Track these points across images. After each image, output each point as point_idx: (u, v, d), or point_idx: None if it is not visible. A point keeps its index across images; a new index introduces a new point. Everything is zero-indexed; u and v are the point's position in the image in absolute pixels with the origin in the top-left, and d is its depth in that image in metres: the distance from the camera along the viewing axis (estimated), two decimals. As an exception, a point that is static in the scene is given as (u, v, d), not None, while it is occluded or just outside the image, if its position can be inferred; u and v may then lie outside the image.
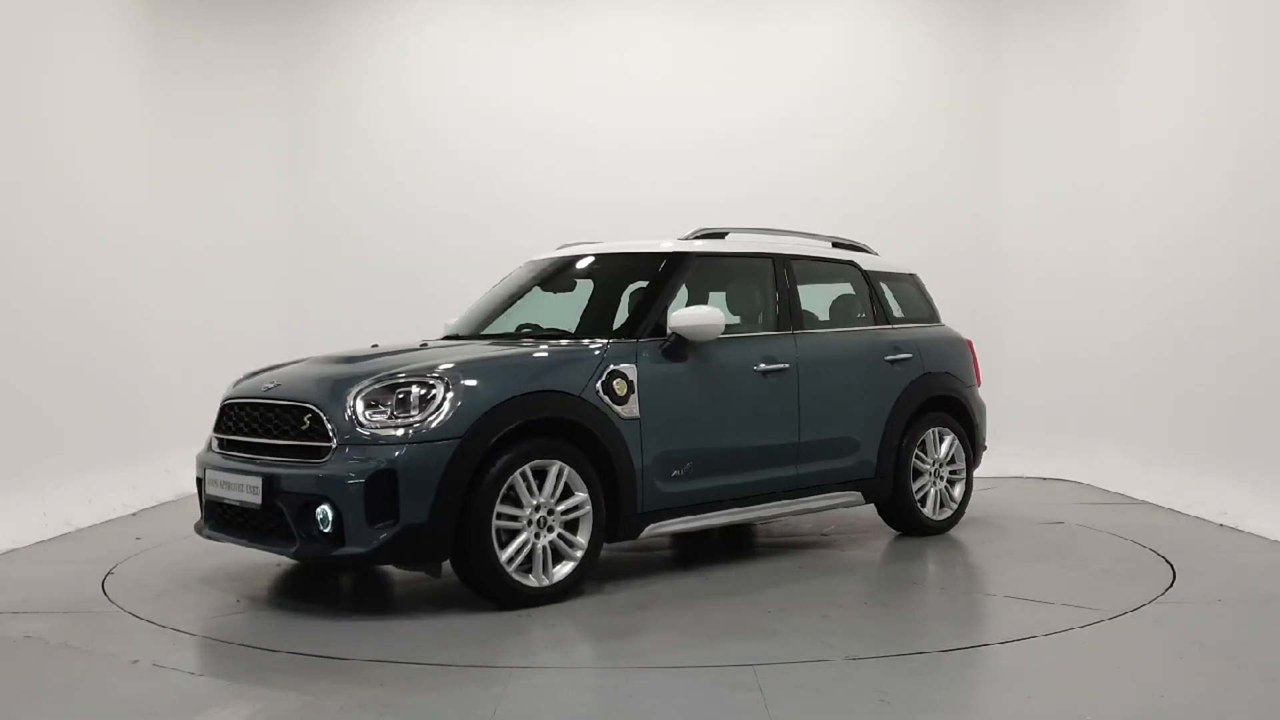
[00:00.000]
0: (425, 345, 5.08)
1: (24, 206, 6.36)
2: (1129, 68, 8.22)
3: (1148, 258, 7.82)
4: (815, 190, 8.70)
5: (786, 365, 5.29)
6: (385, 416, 4.20)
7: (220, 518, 4.67)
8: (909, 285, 6.37)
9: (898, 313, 6.16)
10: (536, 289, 5.66)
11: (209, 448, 4.88)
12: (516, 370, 4.52)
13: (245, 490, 4.40)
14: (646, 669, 3.60)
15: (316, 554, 4.19)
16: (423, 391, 4.25)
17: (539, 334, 5.24)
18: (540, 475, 4.40)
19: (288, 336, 8.21)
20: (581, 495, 4.50)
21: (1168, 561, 5.27)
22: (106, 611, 4.41)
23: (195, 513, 5.08)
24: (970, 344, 6.46)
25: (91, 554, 5.59)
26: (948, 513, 6.08)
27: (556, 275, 5.70)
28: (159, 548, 5.77)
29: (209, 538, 4.75)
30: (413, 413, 4.20)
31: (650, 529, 4.79)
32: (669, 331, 4.91)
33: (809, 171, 8.80)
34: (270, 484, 4.29)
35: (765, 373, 5.22)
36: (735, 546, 5.85)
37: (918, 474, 5.92)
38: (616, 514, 4.65)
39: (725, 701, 3.27)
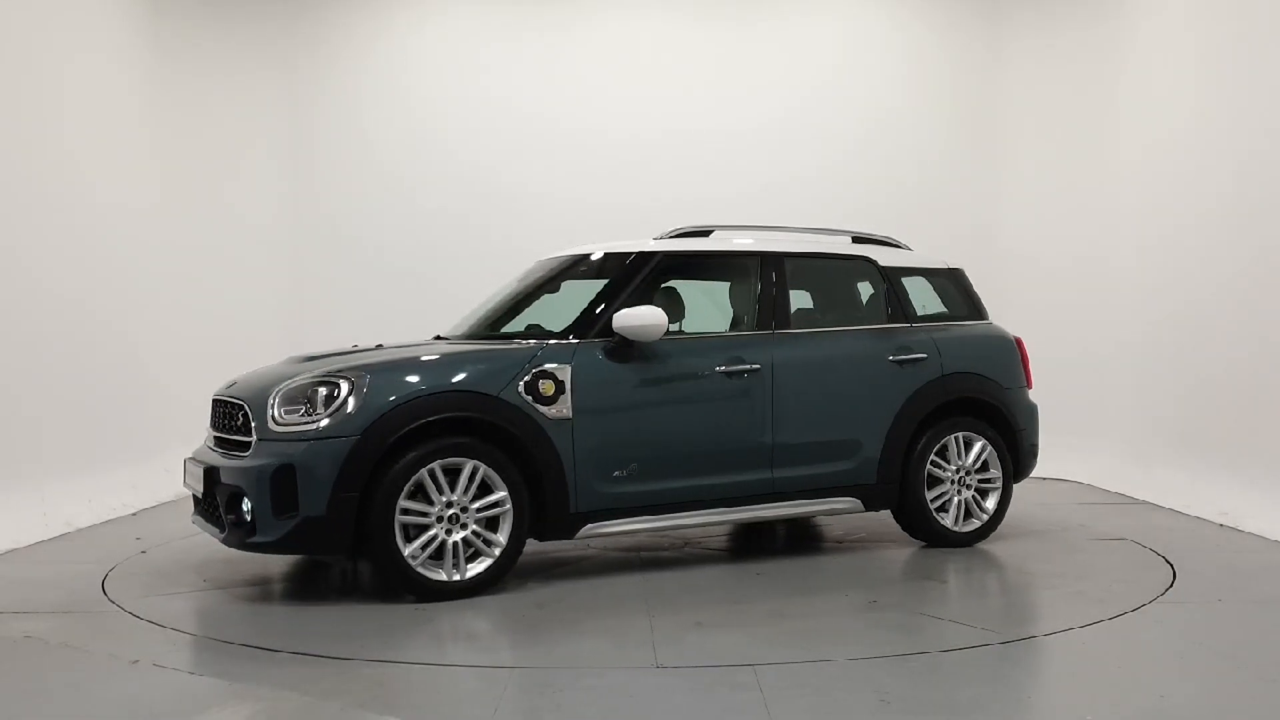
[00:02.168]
0: (380, 346, 5.18)
1: (24, 207, 6.35)
2: (1129, 68, 8.22)
3: (1148, 258, 7.82)
4: (815, 190, 8.71)
5: (757, 366, 5.19)
6: (299, 415, 4.45)
7: (198, 505, 5.00)
8: (946, 281, 6.08)
9: (933, 309, 5.92)
10: (535, 289, 5.64)
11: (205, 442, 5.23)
12: (425, 371, 4.63)
13: (196, 480, 4.78)
14: (646, 668, 3.60)
15: (237, 541, 4.50)
16: (328, 391, 4.46)
17: (539, 334, 5.23)
18: (454, 473, 4.52)
19: (288, 336, 8.20)
20: (500, 494, 4.59)
21: (1168, 561, 5.27)
22: (106, 611, 4.41)
23: (195, 511, 5.15)
24: (1019, 343, 6.08)
25: (91, 554, 5.60)
26: (975, 524, 5.68)
27: (550, 276, 5.67)
28: (159, 548, 5.77)
29: (194, 523, 5.05)
30: (319, 411, 4.42)
31: (588, 529, 4.83)
32: (614, 332, 4.92)
33: (809, 171, 8.80)
34: (209, 475, 4.63)
35: (729, 374, 5.14)
36: (748, 548, 5.85)
37: (936, 481, 5.64)
38: (545, 514, 4.72)
39: (725, 701, 3.27)
